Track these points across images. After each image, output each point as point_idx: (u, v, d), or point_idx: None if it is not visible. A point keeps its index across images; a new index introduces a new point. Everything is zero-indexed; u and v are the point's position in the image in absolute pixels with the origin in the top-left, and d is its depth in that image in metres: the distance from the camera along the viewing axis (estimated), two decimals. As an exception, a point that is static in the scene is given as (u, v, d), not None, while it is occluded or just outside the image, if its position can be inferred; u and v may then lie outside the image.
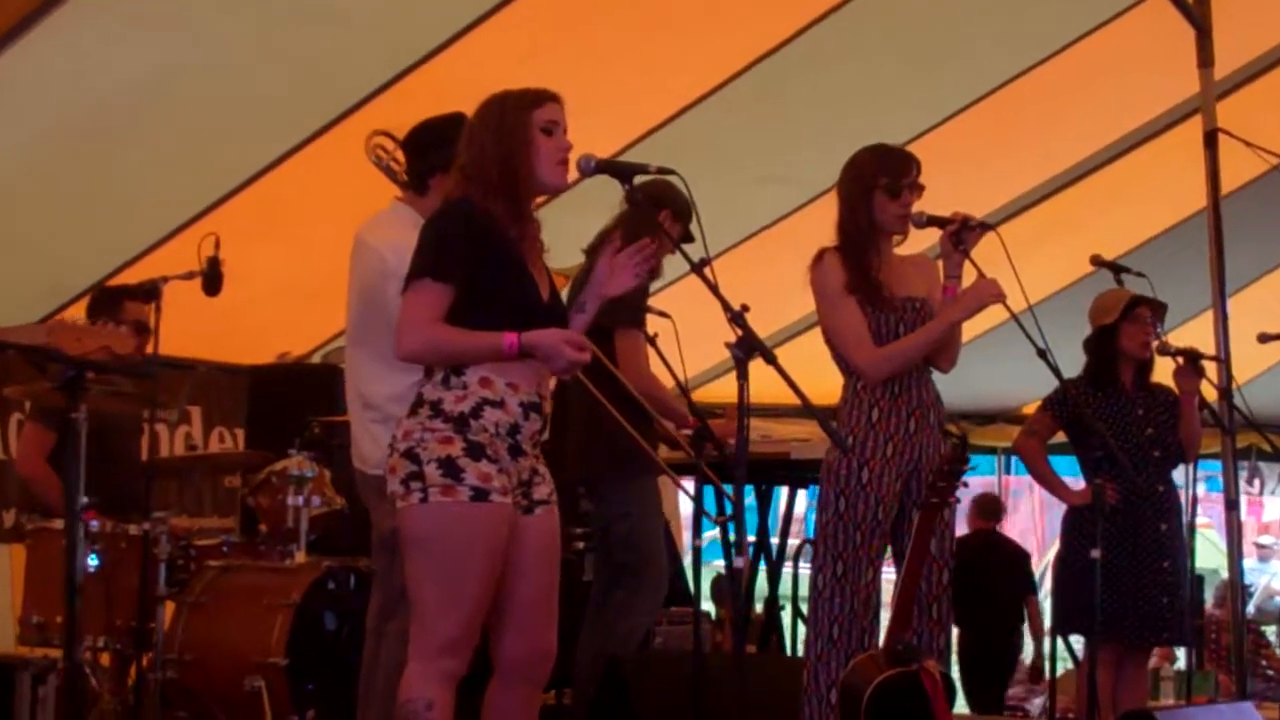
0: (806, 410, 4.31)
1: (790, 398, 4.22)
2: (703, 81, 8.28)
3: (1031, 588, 10.81)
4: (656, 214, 5.89)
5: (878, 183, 5.40)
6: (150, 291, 6.11)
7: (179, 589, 6.37)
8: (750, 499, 7.74)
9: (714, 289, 4.25)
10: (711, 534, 9.60)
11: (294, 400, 7.67)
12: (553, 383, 4.40)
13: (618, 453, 6.06)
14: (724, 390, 6.61)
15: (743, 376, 4.19)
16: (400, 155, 5.48)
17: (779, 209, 9.50)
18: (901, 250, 5.57)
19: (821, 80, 8.47)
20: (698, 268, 4.26)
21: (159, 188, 7.50)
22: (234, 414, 8.81)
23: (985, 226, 5.38)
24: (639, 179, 4.43)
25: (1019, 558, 10.82)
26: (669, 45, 7.90)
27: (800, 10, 8.01)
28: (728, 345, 4.20)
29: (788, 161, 9.03)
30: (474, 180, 4.28)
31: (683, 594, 7.55)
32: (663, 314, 6.17)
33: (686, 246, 4.84)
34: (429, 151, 5.12)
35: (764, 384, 4.38)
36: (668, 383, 6.15)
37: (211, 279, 6.17)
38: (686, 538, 9.44)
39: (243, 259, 7.79)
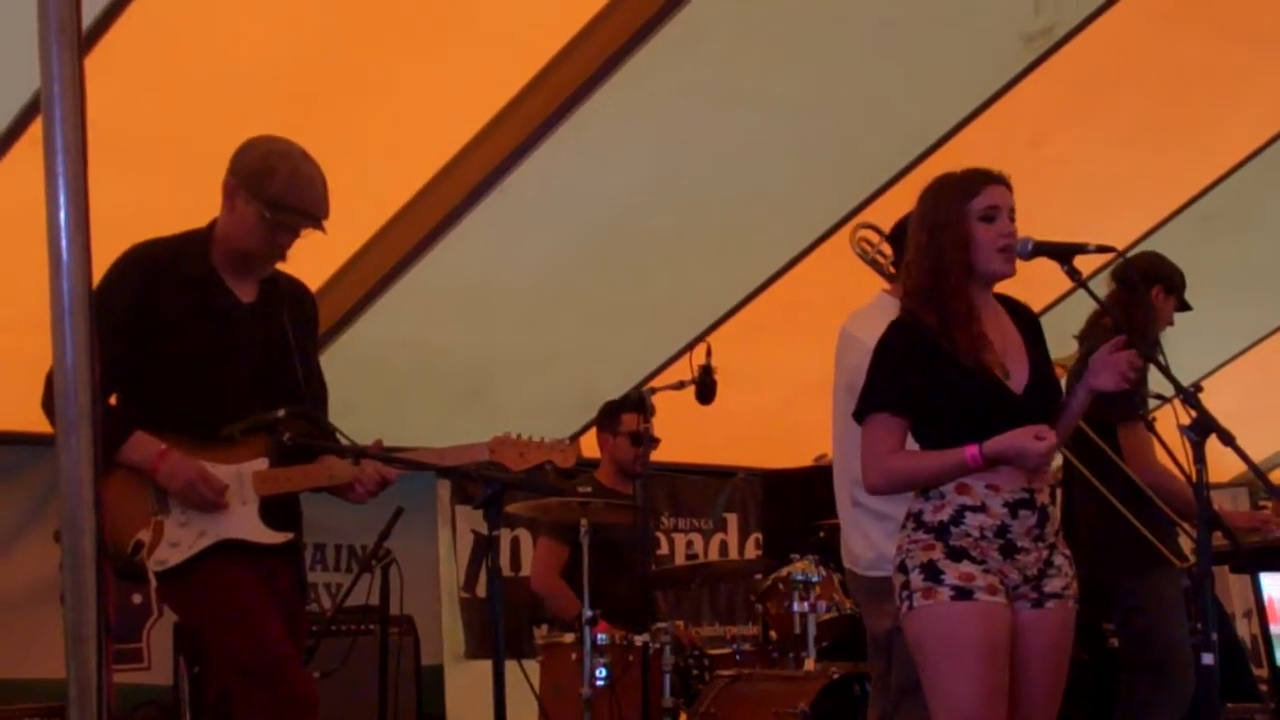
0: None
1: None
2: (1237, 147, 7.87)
3: None
4: (1147, 291, 5.84)
5: None
6: (639, 402, 6.14)
7: (689, 699, 6.34)
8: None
9: (1164, 370, 4.15)
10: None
11: (806, 503, 7.59)
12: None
13: (1126, 547, 5.96)
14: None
15: (1199, 460, 4.04)
16: (886, 248, 5.43)
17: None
18: None
19: None
20: (1147, 349, 4.06)
21: (680, 294, 7.61)
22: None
23: None
24: (1081, 257, 4.22)
25: None
26: (1190, 119, 7.50)
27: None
28: (1181, 428, 4.07)
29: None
30: (907, 289, 4.23)
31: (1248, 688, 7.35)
32: (1160, 398, 5.87)
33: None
34: (913, 242, 5.03)
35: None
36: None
37: (705, 387, 6.12)
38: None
39: (770, 360, 7.80)
